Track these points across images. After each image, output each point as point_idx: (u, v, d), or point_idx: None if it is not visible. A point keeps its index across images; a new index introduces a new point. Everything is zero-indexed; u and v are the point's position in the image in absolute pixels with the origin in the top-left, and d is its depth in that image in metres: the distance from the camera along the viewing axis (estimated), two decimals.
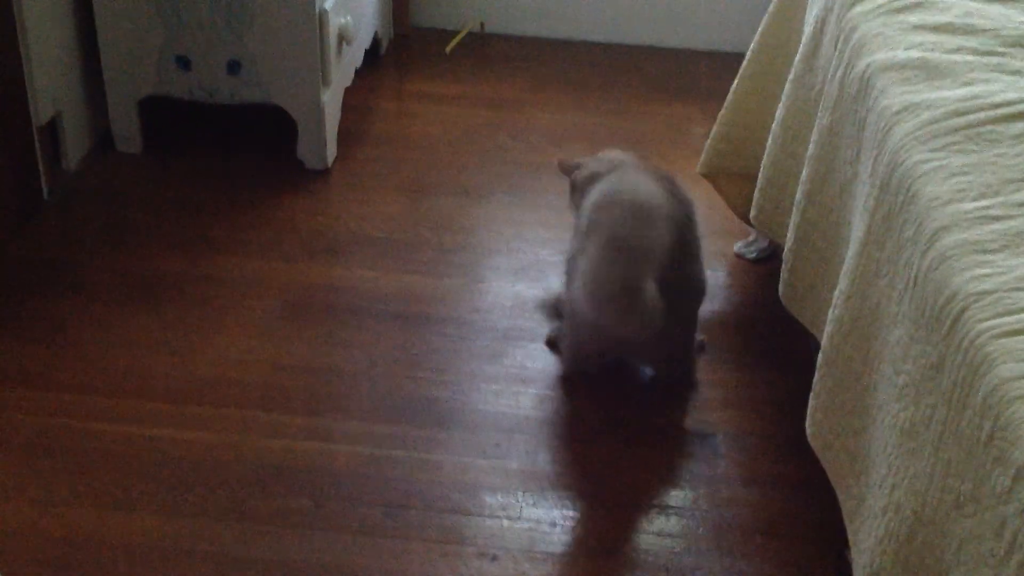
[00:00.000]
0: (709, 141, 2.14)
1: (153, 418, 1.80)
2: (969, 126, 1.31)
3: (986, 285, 1.08)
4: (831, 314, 1.43)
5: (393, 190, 2.41)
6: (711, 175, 2.17)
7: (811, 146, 1.66)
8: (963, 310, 1.07)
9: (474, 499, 1.69)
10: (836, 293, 1.43)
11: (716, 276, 2.19)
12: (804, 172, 1.67)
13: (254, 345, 1.96)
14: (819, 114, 1.65)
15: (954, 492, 1.03)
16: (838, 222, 1.55)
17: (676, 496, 1.72)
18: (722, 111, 2.13)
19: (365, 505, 1.67)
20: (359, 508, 1.66)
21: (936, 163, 1.26)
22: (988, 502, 0.96)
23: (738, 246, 2.26)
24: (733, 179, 2.14)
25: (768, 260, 2.23)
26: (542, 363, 1.95)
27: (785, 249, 1.73)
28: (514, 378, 1.92)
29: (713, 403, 1.89)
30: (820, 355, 1.46)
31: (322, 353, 1.95)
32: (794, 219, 1.69)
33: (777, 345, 2.01)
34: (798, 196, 1.68)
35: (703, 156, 2.15)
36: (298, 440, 1.77)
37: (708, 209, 2.38)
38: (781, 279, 1.75)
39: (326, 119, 2.39)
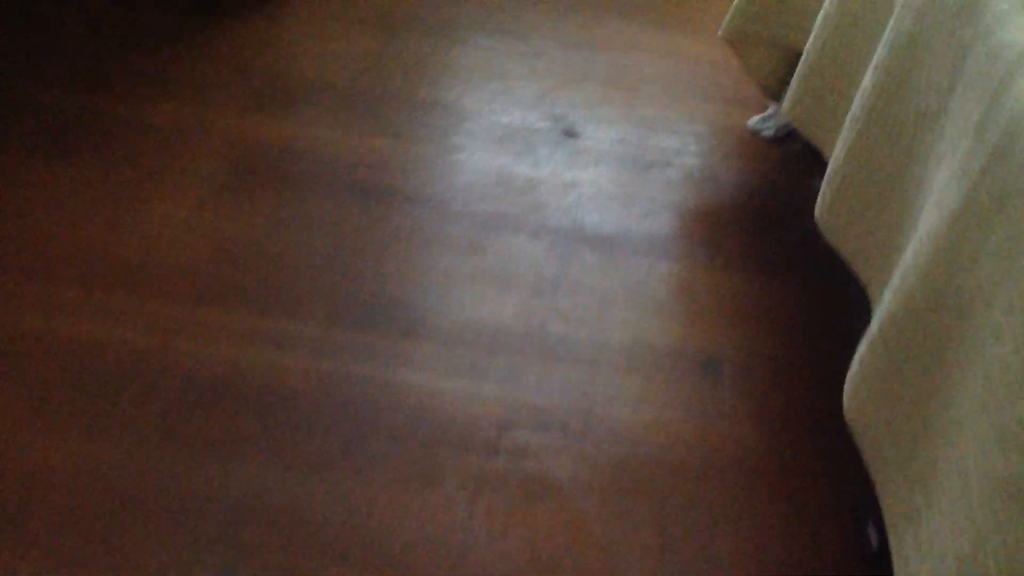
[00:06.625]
0: (736, 1, 1.82)
1: (69, 310, 1.53)
2: None
3: None
4: (898, 284, 1.18)
5: (357, 26, 2.07)
6: (735, 40, 1.85)
7: (882, 48, 1.36)
8: None
9: (446, 431, 1.47)
10: (906, 260, 1.18)
11: (727, 158, 1.92)
12: (868, 79, 1.38)
13: (192, 220, 1.67)
14: (899, 10, 1.34)
15: None
16: (910, 158, 1.28)
17: (673, 432, 1.51)
18: None
19: (321, 435, 1.44)
20: (314, 439, 1.43)
21: None
22: None
23: (753, 120, 1.98)
24: (759, 47, 1.84)
25: (786, 140, 1.96)
26: (528, 260, 1.70)
27: (830, 165, 1.46)
28: (495, 279, 1.67)
29: (719, 319, 1.67)
30: (874, 325, 1.23)
31: (273, 234, 1.68)
32: (847, 133, 1.42)
33: (793, 248, 1.77)
34: (855, 107, 1.40)
35: (727, 19, 1.84)
36: (244, 347, 1.52)
37: (720, 70, 2.08)
38: (821, 197, 1.48)
39: None
